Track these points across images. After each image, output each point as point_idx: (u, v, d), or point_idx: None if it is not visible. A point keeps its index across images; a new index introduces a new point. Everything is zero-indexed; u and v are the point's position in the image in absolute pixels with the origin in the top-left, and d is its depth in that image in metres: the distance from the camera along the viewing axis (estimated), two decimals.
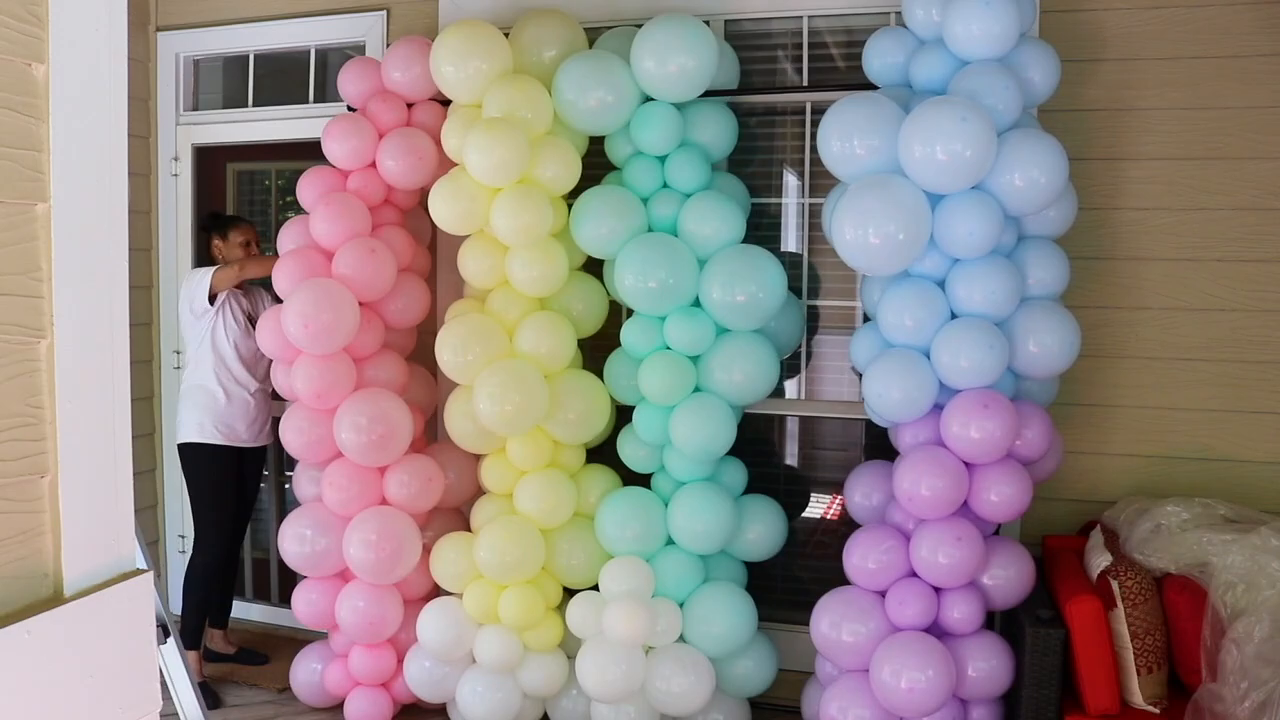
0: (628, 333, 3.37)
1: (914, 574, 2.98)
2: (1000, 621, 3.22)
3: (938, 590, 2.96)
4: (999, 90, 2.85)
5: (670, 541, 3.38)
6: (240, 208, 4.51)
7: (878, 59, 3.19)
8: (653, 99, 3.32)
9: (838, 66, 3.71)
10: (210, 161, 4.43)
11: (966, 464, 2.92)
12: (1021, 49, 2.97)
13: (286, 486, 4.50)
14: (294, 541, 3.51)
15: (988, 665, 2.94)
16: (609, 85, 3.25)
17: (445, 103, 3.55)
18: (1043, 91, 3.03)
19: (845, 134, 2.92)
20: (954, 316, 2.97)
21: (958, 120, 2.71)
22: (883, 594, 3.01)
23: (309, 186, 3.57)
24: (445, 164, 3.46)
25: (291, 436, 3.51)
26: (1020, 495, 2.91)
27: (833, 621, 3.01)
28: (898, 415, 2.99)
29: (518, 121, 3.20)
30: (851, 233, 2.86)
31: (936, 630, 2.96)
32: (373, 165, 3.57)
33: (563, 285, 3.39)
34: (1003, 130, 2.87)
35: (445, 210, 3.29)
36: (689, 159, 3.33)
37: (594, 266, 3.54)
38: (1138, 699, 2.74)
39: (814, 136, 3.64)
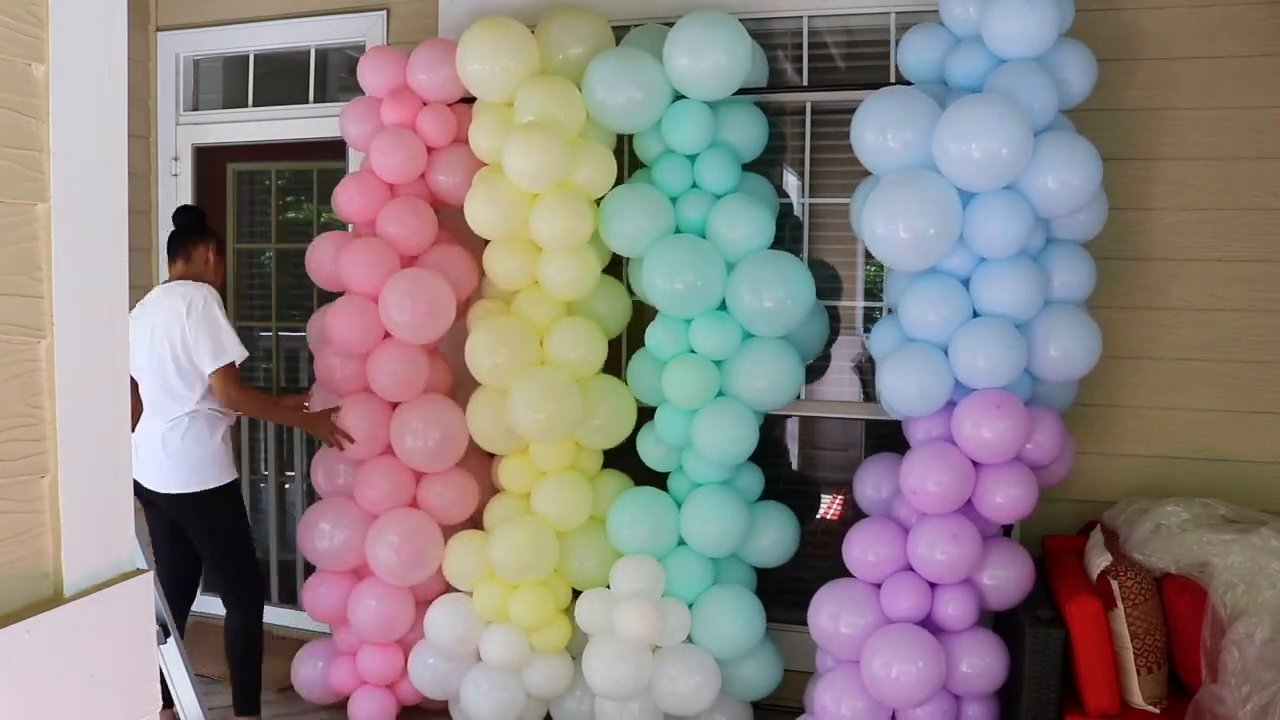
0: (653, 334, 3.34)
1: (910, 568, 2.98)
2: (999, 621, 3.22)
3: (933, 586, 2.96)
4: (1036, 90, 2.82)
5: (682, 543, 3.38)
6: (240, 207, 4.51)
7: (913, 54, 3.16)
8: (684, 97, 3.28)
9: (838, 67, 3.71)
10: (210, 161, 4.43)
11: (975, 463, 2.92)
12: (1059, 49, 2.94)
13: (287, 486, 4.50)
14: (314, 535, 3.52)
15: (981, 662, 2.94)
16: (639, 83, 3.22)
17: (469, 102, 3.52)
18: (1078, 92, 2.99)
19: (880, 127, 2.90)
20: (976, 315, 2.95)
21: (995, 118, 2.69)
22: (879, 586, 3.02)
23: (351, 197, 3.54)
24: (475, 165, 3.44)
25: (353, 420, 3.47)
26: (1026, 498, 2.91)
27: (830, 613, 3.01)
28: (912, 409, 2.99)
29: (554, 124, 3.18)
30: (882, 227, 2.84)
31: (931, 625, 2.96)
32: (422, 178, 3.58)
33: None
34: (1038, 131, 2.84)
35: (484, 216, 3.26)
36: (719, 159, 3.30)
37: (613, 269, 3.53)
38: (1138, 699, 2.74)
39: (814, 137, 3.66)
